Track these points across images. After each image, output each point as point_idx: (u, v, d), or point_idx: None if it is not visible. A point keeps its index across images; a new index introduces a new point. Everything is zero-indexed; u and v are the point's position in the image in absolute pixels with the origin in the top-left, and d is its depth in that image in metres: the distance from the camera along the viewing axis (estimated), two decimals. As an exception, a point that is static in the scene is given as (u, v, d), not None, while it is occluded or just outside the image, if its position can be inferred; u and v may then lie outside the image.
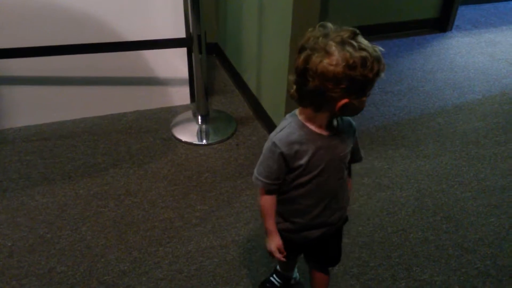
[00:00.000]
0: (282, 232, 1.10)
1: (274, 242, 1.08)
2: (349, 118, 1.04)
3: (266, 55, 2.09)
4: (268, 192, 1.05)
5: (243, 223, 1.66)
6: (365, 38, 0.90)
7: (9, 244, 1.55)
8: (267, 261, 1.50)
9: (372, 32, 3.13)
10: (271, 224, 1.08)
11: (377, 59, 0.88)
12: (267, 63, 2.08)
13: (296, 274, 1.44)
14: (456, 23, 3.36)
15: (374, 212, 1.72)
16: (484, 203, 1.78)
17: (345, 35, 0.87)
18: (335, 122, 1.01)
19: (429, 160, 2.02)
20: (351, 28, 0.88)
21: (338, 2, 2.94)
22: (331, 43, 0.86)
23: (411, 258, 1.54)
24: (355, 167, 1.92)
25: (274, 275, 1.42)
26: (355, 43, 0.86)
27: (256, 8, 2.09)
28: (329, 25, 0.90)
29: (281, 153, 0.97)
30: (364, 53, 0.85)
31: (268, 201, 1.06)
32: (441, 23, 3.32)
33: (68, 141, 2.06)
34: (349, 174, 1.13)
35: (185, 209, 1.71)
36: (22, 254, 1.51)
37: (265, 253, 1.51)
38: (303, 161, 0.98)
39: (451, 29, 3.35)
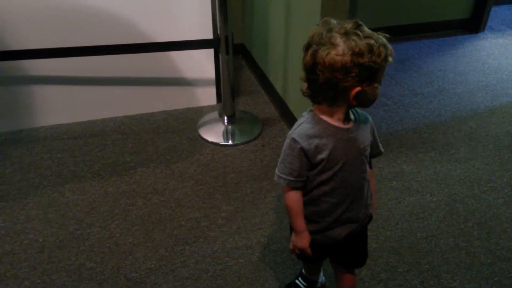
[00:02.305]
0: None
1: (306, 240, 1.06)
2: (364, 111, 1.04)
3: (292, 56, 2.08)
4: (293, 188, 1.03)
5: (269, 225, 1.65)
6: (395, 39, 0.91)
7: (40, 240, 1.59)
8: (293, 263, 1.49)
9: (402, 32, 3.07)
10: (300, 223, 1.05)
11: (383, 45, 0.90)
12: (294, 64, 2.07)
13: (322, 277, 1.42)
14: (488, 23, 3.27)
15: (403, 217, 1.69)
16: (518, 210, 1.72)
17: (349, 26, 0.89)
18: (352, 116, 1.01)
19: (461, 164, 1.96)
20: (353, 20, 0.90)
21: (367, 2, 2.90)
22: (336, 35, 0.89)
23: (441, 265, 1.50)
24: (383, 170, 1.89)
25: (300, 278, 1.41)
26: (359, 32, 0.88)
27: (283, 9, 2.09)
28: (332, 20, 0.92)
29: (301, 148, 0.97)
30: (369, 40, 0.88)
31: (294, 198, 1.04)
32: (473, 24, 3.23)
33: (98, 139, 2.11)
34: (370, 166, 1.12)
35: (210, 209, 1.72)
36: (52, 250, 1.55)
37: (291, 255, 1.51)
38: (323, 155, 0.97)
39: (483, 30, 3.25)
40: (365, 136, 1.02)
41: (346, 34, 0.88)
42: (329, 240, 1.10)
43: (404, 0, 3.01)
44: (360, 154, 1.02)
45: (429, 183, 1.85)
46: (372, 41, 0.87)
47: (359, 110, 1.04)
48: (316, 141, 0.96)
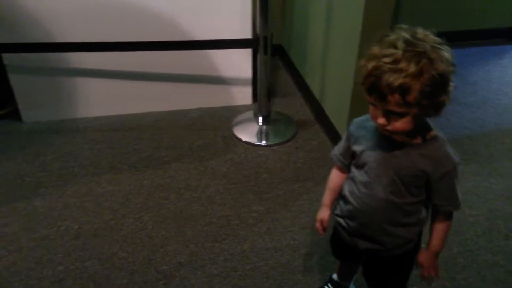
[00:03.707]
0: (340, 229, 1.11)
1: (322, 213, 1.15)
2: (450, 154, 0.95)
3: (331, 59, 2.05)
4: (336, 165, 1.11)
5: (299, 228, 1.63)
6: None
7: (76, 227, 1.63)
8: (322, 269, 1.47)
9: (446, 39, 2.98)
10: (326, 197, 1.14)
11: None
12: (333, 67, 2.05)
13: (352, 286, 1.39)
14: (538, 34, 3.12)
15: (438, 229, 1.63)
16: None
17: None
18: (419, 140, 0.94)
19: (503, 179, 1.88)
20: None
21: (411, 7, 2.83)
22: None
23: (478, 282, 1.44)
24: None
25: (329, 284, 1.38)
26: None
27: (324, 11, 2.06)
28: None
29: (349, 130, 1.05)
30: None
31: (332, 173, 1.13)
32: (521, 33, 3.10)
33: (136, 133, 2.15)
34: (437, 214, 1.02)
35: (241, 208, 1.72)
36: (87, 238, 1.59)
37: (320, 261, 1.49)
38: (359, 148, 1.00)
39: (532, 40, 3.11)
40: (414, 165, 0.94)
41: None
42: (352, 243, 1.09)
43: (448, 6, 2.93)
44: (395, 173, 0.95)
45: (469, 197, 1.78)
46: None
47: (449, 149, 0.96)
48: (361, 133, 1.01)
